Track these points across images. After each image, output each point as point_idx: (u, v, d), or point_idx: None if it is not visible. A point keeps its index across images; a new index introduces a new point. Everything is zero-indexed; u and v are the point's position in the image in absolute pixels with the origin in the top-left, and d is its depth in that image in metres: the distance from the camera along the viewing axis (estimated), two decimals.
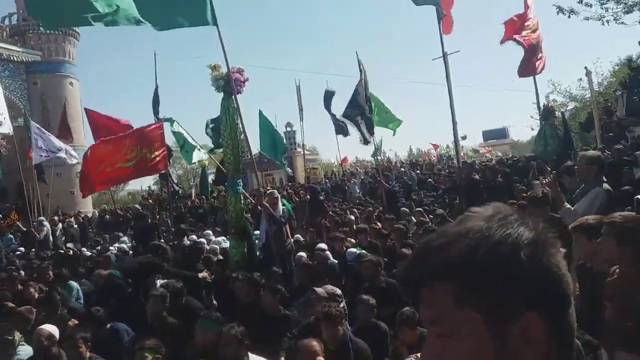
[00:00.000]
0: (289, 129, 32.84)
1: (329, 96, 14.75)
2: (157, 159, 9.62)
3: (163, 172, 9.88)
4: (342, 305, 5.48)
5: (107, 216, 18.35)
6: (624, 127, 14.93)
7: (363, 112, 11.26)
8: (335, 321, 4.02)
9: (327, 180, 24.34)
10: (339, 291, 5.22)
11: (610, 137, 14.51)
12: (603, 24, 13.96)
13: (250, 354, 3.97)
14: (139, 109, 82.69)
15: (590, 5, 13.78)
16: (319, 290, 4.86)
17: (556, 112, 10.84)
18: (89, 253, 11.02)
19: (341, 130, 13.88)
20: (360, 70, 11.21)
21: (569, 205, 4.69)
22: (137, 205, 17.78)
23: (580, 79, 28.55)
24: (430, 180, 18.23)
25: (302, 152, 25.27)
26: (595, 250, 3.24)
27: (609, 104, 19.26)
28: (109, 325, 5.21)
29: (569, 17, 13.83)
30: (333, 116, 14.38)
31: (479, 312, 0.73)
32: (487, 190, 8.28)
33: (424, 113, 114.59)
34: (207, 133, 13.40)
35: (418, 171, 23.98)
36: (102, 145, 9.85)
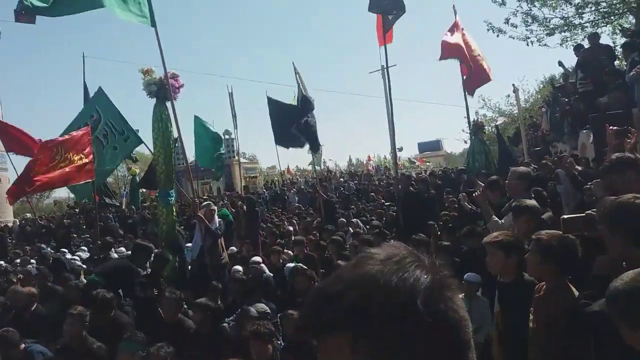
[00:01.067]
0: (227, 136, 32.10)
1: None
2: (87, 166, 9.06)
3: (89, 180, 9.25)
4: (275, 321, 5.36)
5: (29, 227, 17.14)
6: (548, 142, 15.89)
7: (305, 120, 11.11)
8: (264, 339, 3.89)
9: (265, 190, 24.09)
10: (270, 308, 5.09)
11: (536, 151, 15.38)
12: (528, 45, 14.86)
13: None
14: (66, 114, 78.38)
15: (516, 27, 14.64)
16: (250, 309, 4.70)
17: (485, 127, 11.31)
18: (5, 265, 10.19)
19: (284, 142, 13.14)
20: (298, 82, 11.11)
21: (496, 218, 4.83)
22: (60, 214, 16.70)
23: (509, 95, 30.21)
24: (372, 193, 18.36)
25: (239, 161, 24.84)
26: (508, 266, 3.33)
27: (535, 119, 20.43)
28: (23, 346, 4.77)
29: (497, 36, 14.61)
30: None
31: None
32: (421, 202, 8.47)
33: (364, 124, 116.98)
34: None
35: (356, 181, 24.23)
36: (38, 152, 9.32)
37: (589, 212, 2.94)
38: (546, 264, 2.92)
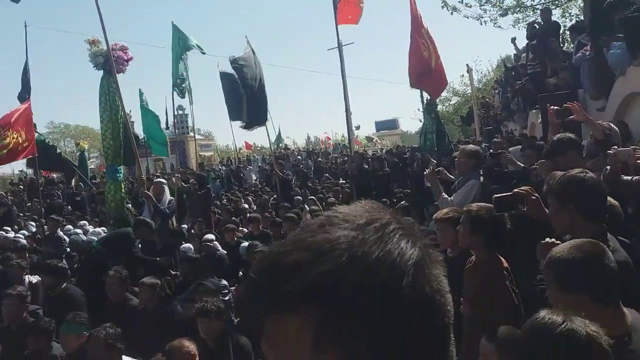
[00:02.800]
0: (180, 112, 31.19)
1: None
2: (26, 143, 8.58)
3: (31, 156, 8.74)
4: (227, 298, 5.33)
5: None
6: (499, 122, 16.34)
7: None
8: (210, 317, 3.84)
9: (222, 167, 23.74)
10: (224, 282, 5.05)
11: (488, 130, 15.80)
12: (481, 24, 15.06)
13: (125, 357, 3.66)
14: (6, 84, 73.54)
15: (470, 6, 14.78)
16: (207, 283, 4.65)
17: (438, 107, 11.39)
18: None
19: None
20: (249, 57, 10.71)
21: (446, 195, 4.92)
22: (2, 192, 15.91)
23: (463, 76, 30.65)
24: (326, 174, 18.33)
25: (194, 137, 24.26)
26: (456, 241, 3.42)
27: (487, 99, 20.93)
28: None
29: (452, 13, 14.71)
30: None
31: (342, 356, 0.56)
32: (375, 180, 8.57)
33: (321, 101, 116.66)
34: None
35: (319, 159, 24.24)
36: None
37: (516, 190, 3.02)
38: (475, 235, 3.00)
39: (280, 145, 27.01)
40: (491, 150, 6.41)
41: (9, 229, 10.33)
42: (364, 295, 0.55)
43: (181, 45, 12.08)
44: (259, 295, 0.61)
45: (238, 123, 10.60)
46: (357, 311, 0.55)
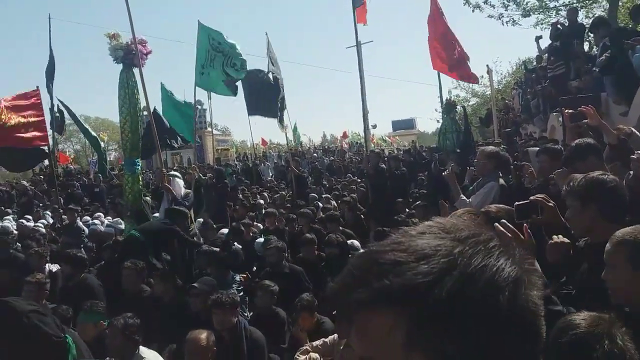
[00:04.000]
0: (199, 107, 31.34)
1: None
2: (30, 131, 8.35)
3: (43, 146, 8.54)
4: (241, 293, 5.36)
5: None
6: (518, 124, 16.16)
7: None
8: (225, 308, 3.87)
9: (237, 162, 23.87)
10: (235, 281, 5.08)
11: (507, 132, 15.62)
12: (503, 24, 14.93)
13: (142, 347, 3.70)
14: (30, 76, 74.90)
15: (494, 7, 14.67)
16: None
17: (457, 107, 11.29)
18: None
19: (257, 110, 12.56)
20: (269, 56, 10.75)
21: (464, 197, 4.87)
22: (24, 182, 16.17)
23: (482, 76, 30.29)
24: (348, 173, 18.27)
25: (211, 132, 24.42)
26: None
27: (507, 101, 20.70)
28: None
29: (473, 11, 14.59)
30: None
31: (430, 358, 0.58)
32: (390, 179, 8.53)
33: (338, 99, 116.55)
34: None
35: (332, 158, 24.25)
36: None
37: (532, 197, 2.98)
38: None
39: (298, 140, 27.05)
40: (515, 162, 6.36)
41: (30, 217, 10.53)
42: (461, 301, 0.56)
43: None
44: (356, 289, 0.61)
45: (256, 118, 10.64)
46: (451, 316, 0.56)
